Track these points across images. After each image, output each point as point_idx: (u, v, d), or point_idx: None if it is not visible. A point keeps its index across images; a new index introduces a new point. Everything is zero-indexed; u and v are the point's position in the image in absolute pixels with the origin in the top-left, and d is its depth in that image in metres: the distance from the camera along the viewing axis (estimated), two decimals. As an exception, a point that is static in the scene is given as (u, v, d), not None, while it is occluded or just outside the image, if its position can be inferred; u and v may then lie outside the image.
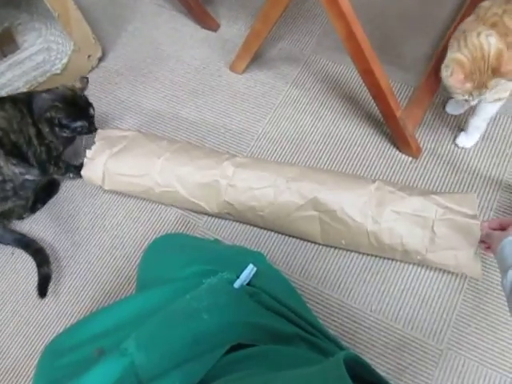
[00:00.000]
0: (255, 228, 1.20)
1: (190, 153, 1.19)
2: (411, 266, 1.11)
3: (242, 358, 0.61)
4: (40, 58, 1.54)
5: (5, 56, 1.58)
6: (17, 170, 1.16)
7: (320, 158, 1.28)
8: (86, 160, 1.23)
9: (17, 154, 1.17)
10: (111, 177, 1.21)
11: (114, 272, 1.22)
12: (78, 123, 1.22)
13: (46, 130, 1.22)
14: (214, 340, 0.67)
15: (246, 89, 1.43)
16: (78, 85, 1.26)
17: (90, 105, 1.27)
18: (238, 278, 0.80)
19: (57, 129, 1.22)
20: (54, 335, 1.13)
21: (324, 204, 1.05)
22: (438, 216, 1.00)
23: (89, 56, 1.53)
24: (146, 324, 0.73)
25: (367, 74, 1.06)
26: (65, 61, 1.49)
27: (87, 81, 1.29)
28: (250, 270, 0.81)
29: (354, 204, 1.04)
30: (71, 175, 1.35)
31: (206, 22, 1.55)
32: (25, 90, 1.47)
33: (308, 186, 1.07)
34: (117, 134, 1.26)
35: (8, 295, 1.24)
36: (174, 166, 1.15)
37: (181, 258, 0.89)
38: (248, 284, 0.80)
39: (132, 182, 1.19)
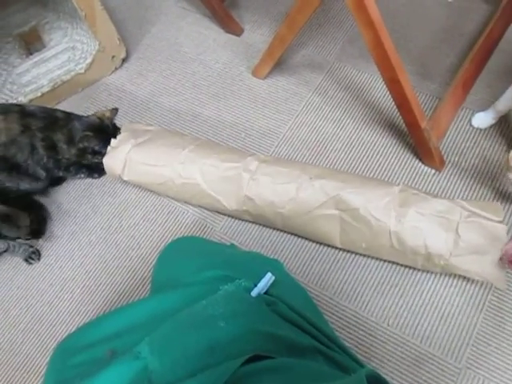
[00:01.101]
0: (272, 235, 1.19)
1: (213, 147, 1.20)
2: (431, 281, 1.08)
3: (259, 371, 0.59)
4: (65, 56, 1.55)
5: (31, 54, 1.60)
6: None
7: (341, 167, 1.26)
8: (109, 148, 1.23)
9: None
10: (132, 166, 1.20)
11: (129, 273, 1.21)
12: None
13: (71, 151, 1.26)
14: (229, 349, 0.66)
15: (268, 94, 1.42)
16: (107, 114, 1.30)
17: (118, 129, 1.29)
18: (255, 286, 0.78)
19: (89, 156, 1.28)
20: (66, 333, 1.15)
21: (347, 202, 1.03)
22: (462, 218, 0.98)
23: (113, 56, 1.54)
24: (160, 328, 0.72)
25: (393, 83, 1.04)
26: (89, 60, 1.50)
27: (116, 111, 1.34)
28: (267, 279, 0.80)
29: (378, 203, 1.02)
30: (82, 175, 1.37)
31: (230, 26, 1.55)
32: (48, 88, 1.49)
33: (331, 184, 1.05)
34: (142, 128, 1.28)
35: (22, 291, 1.24)
36: (197, 157, 1.15)
37: (197, 262, 0.88)
38: (265, 293, 0.79)
39: (153, 171, 1.18)
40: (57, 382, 0.78)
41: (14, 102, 1.46)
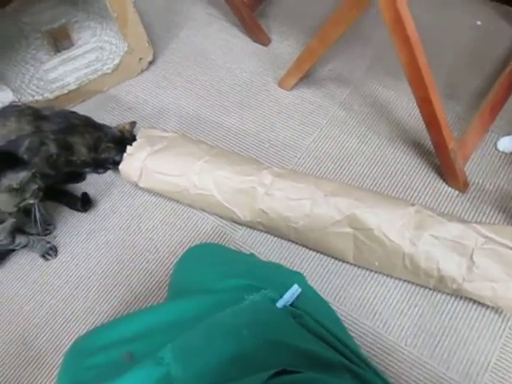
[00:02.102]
0: (291, 247, 1.19)
1: (229, 158, 1.20)
2: (450, 303, 1.07)
3: (287, 385, 0.59)
4: (93, 56, 1.56)
5: (59, 51, 1.62)
6: None
7: (363, 182, 1.26)
8: (125, 155, 1.24)
9: None
10: (148, 174, 1.21)
11: (146, 275, 1.21)
12: None
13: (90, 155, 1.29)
14: (255, 361, 0.65)
15: (293, 106, 1.42)
16: (127, 127, 1.34)
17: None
18: (280, 297, 0.78)
19: (110, 166, 1.33)
20: (80, 331, 1.15)
21: (361, 221, 1.03)
22: (478, 245, 0.98)
23: (140, 59, 1.55)
24: (184, 335, 0.71)
25: (424, 102, 1.04)
26: (116, 61, 1.51)
27: (135, 124, 1.37)
28: (294, 291, 0.79)
29: (393, 224, 1.02)
30: (100, 171, 1.38)
31: (258, 35, 1.56)
32: (75, 86, 1.50)
33: (346, 202, 1.05)
34: (158, 134, 1.28)
35: (38, 286, 1.24)
36: (212, 168, 1.15)
37: (219, 269, 0.88)
38: (291, 305, 0.78)
39: (168, 181, 1.19)
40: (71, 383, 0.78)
41: (41, 97, 1.47)
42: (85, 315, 1.18)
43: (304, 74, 1.38)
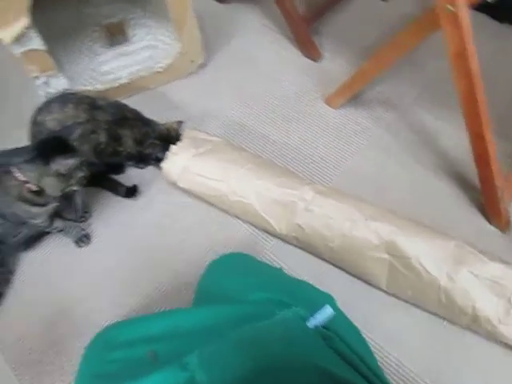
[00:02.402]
0: (321, 265, 1.17)
1: (271, 169, 1.20)
2: (480, 345, 1.04)
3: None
4: (146, 53, 1.60)
5: (114, 45, 1.66)
6: None
7: (401, 209, 1.23)
8: (169, 153, 1.26)
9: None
10: (189, 175, 1.22)
11: (174, 275, 1.21)
12: None
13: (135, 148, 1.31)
14: (282, 378, 0.64)
15: (338, 125, 1.42)
16: (174, 126, 1.36)
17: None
18: (312, 316, 0.77)
19: (152, 161, 1.34)
20: (103, 322, 1.16)
21: (400, 249, 1.02)
22: None
23: (192, 61, 1.58)
24: (211, 343, 0.70)
25: (477, 137, 1.03)
26: (169, 61, 1.54)
27: (181, 124, 1.38)
28: (326, 312, 0.78)
29: (432, 256, 1.00)
30: (141, 165, 1.40)
31: (310, 51, 1.57)
32: (126, 80, 1.54)
33: (387, 228, 1.04)
34: (203, 137, 1.30)
35: (68, 271, 1.26)
36: (254, 177, 1.16)
37: (249, 281, 0.88)
38: (321, 326, 0.77)
39: (208, 184, 1.21)
40: (93, 375, 0.78)
41: (92, 88, 1.51)
42: (109, 306, 1.19)
43: (353, 95, 1.37)
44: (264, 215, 1.14)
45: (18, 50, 1.30)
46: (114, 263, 1.26)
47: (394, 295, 1.11)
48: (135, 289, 1.21)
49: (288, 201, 1.11)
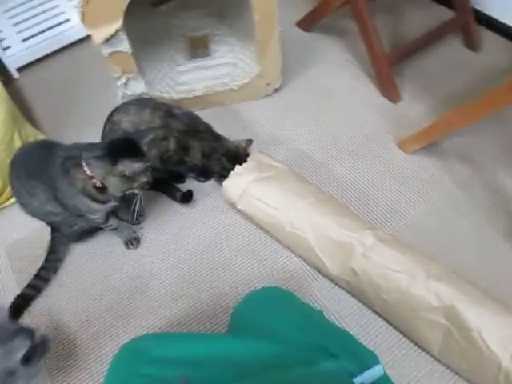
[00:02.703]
0: (371, 315, 1.11)
1: (334, 207, 1.16)
2: None
3: None
4: (225, 70, 1.61)
5: (194, 58, 1.69)
6: None
7: (464, 272, 1.15)
8: (232, 173, 1.25)
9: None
10: (249, 198, 1.20)
11: (216, 294, 1.19)
12: None
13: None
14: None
15: (409, 171, 1.36)
16: (243, 144, 1.35)
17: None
18: (359, 373, 0.72)
19: (215, 176, 1.35)
20: (138, 329, 1.15)
21: (460, 317, 0.93)
22: None
23: (268, 84, 1.58)
24: (246, 381, 0.67)
25: None
26: (245, 81, 1.55)
27: (251, 143, 1.37)
28: (376, 372, 0.73)
29: (496, 332, 0.91)
30: (201, 179, 1.41)
31: (390, 91, 1.53)
32: (201, 93, 1.55)
33: (449, 291, 0.96)
34: (268, 162, 1.28)
35: (113, 269, 1.27)
36: (314, 212, 1.13)
37: (290, 320, 0.85)
38: (367, 385, 0.72)
39: (267, 211, 1.18)
40: None
41: (167, 96, 1.54)
42: (146, 314, 1.18)
43: (430, 143, 1.31)
44: (318, 252, 1.09)
45: (107, 50, 1.35)
46: (157, 271, 1.25)
47: (444, 364, 1.02)
48: (174, 302, 1.19)
49: (346, 242, 1.06)
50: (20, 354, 0.85)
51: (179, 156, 1.28)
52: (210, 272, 1.23)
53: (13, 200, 1.41)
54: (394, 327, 1.08)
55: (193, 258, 1.26)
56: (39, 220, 1.24)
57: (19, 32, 1.84)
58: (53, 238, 1.29)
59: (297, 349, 0.76)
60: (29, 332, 0.89)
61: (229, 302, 1.17)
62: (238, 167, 1.24)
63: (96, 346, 1.14)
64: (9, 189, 1.37)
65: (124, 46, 1.36)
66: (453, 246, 1.20)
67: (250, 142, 1.35)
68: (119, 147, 1.08)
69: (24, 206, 1.19)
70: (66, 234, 1.28)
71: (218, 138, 1.33)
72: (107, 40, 1.32)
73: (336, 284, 1.16)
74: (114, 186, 1.08)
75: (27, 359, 0.86)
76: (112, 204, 1.14)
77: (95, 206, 1.12)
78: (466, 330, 0.92)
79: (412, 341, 1.05)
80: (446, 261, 1.17)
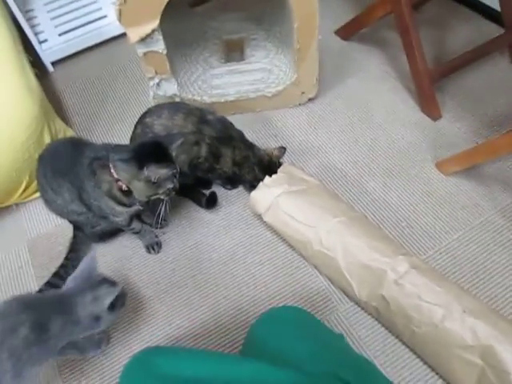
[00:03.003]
0: (397, 346, 1.04)
1: (366, 228, 1.10)
2: None
3: None
4: (259, 76, 1.57)
5: (229, 61, 1.66)
6: None
7: (503, 308, 1.08)
8: (261, 184, 1.21)
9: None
10: (276, 211, 1.16)
11: (235, 309, 1.15)
12: None
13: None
14: None
15: (446, 193, 1.29)
16: (275, 152, 1.31)
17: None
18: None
19: (244, 185, 1.33)
20: (153, 338, 1.12)
21: (498, 359, 0.86)
22: None
23: (302, 93, 1.53)
24: None
25: None
26: (280, 88, 1.51)
27: (284, 151, 1.33)
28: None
29: None
30: (228, 187, 1.38)
31: (430, 108, 1.46)
32: (233, 98, 1.52)
33: (487, 330, 0.89)
34: (299, 175, 1.23)
35: (132, 273, 1.24)
36: (345, 232, 1.07)
37: (311, 347, 0.80)
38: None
39: (295, 226, 1.13)
40: None
41: (199, 98, 1.51)
42: (162, 323, 1.15)
43: (471, 166, 1.24)
44: (347, 275, 1.04)
45: (141, 50, 1.33)
46: (177, 279, 1.22)
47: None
48: (192, 312, 1.16)
49: (377, 267, 1.00)
50: (107, 301, 0.92)
51: (210, 163, 1.25)
52: (230, 284, 1.19)
53: (38, 194, 1.40)
54: (422, 360, 1.02)
55: (214, 268, 1.22)
56: (62, 218, 1.23)
57: (56, 26, 1.84)
58: (75, 237, 1.28)
59: (309, 377, 0.72)
60: (113, 283, 0.96)
61: (248, 318, 1.13)
62: (267, 178, 1.19)
63: (109, 352, 1.11)
64: (35, 183, 1.37)
65: (159, 46, 1.33)
66: (490, 278, 1.12)
67: (283, 150, 1.30)
68: (147, 151, 1.05)
69: (48, 202, 1.17)
70: (88, 234, 1.26)
71: (250, 146, 1.29)
72: (142, 39, 1.30)
73: (362, 309, 1.10)
74: (139, 190, 1.05)
75: (112, 306, 0.93)
76: (136, 208, 1.12)
77: (119, 208, 1.10)
78: (503, 372, 0.86)
79: (441, 377, 0.99)
80: (482, 294, 1.10)
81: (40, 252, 1.31)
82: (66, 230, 1.30)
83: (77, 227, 1.27)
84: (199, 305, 1.16)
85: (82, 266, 0.98)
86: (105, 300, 0.92)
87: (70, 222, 1.25)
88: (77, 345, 1.04)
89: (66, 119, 1.61)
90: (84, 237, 1.28)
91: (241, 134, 1.30)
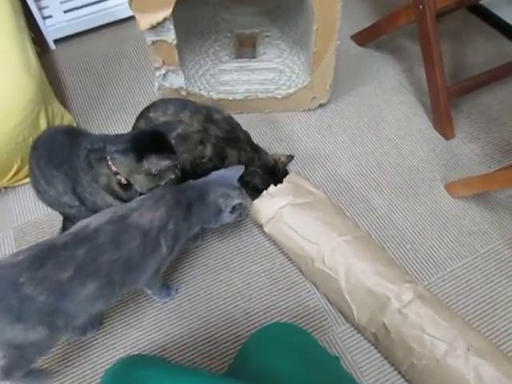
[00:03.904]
0: (393, 374, 1.00)
1: (373, 250, 1.05)
2: None
3: None
4: (270, 75, 1.51)
5: (240, 57, 1.59)
6: None
7: (506, 343, 1.04)
8: (265, 193, 1.15)
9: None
10: (279, 223, 1.11)
11: (227, 320, 1.09)
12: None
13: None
14: None
15: (454, 217, 1.24)
16: (282, 159, 1.28)
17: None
18: None
19: (250, 191, 1.25)
20: (138, 343, 1.06)
21: None
22: None
23: (314, 98, 1.47)
24: None
25: None
26: (291, 91, 1.45)
27: (291, 159, 1.30)
28: None
29: None
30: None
31: (443, 125, 1.41)
32: (242, 96, 1.46)
33: (492, 372, 0.86)
34: (306, 186, 1.17)
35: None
36: (350, 252, 1.02)
37: (301, 367, 0.75)
38: None
39: (297, 241, 1.08)
40: None
41: (206, 94, 1.45)
42: (151, 329, 1.09)
43: (482, 192, 1.20)
44: (347, 297, 0.99)
45: (150, 38, 1.26)
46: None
47: None
48: (182, 320, 1.10)
49: (381, 293, 0.95)
50: (234, 202, 1.05)
51: (214, 163, 1.19)
52: (224, 294, 1.14)
53: (28, 179, 1.34)
54: (418, 392, 0.98)
55: (208, 275, 1.17)
56: (53, 209, 1.16)
57: (62, 2, 1.74)
58: (64, 228, 1.21)
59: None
60: (243, 196, 1.12)
61: (240, 331, 1.08)
62: (271, 188, 1.14)
63: (92, 354, 1.06)
64: (27, 167, 1.30)
65: (169, 36, 1.26)
66: (493, 311, 1.09)
67: (291, 158, 1.26)
68: (146, 141, 0.98)
69: (39, 193, 1.11)
70: (78, 227, 1.20)
71: (256, 149, 1.24)
72: (153, 27, 1.23)
73: (359, 332, 1.06)
74: (140, 183, 1.00)
75: (233, 209, 1.07)
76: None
77: (116, 203, 1.04)
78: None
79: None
80: (484, 326, 1.07)
81: (26, 241, 1.25)
82: (56, 221, 1.25)
83: (67, 219, 1.21)
84: (190, 313, 1.11)
85: (230, 170, 1.11)
86: (233, 200, 1.05)
87: (61, 213, 1.19)
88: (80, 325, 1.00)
89: (64, 102, 1.54)
90: (75, 229, 1.22)
91: (248, 136, 1.24)
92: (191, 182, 1.08)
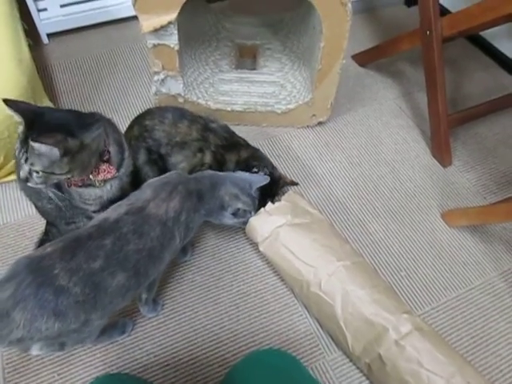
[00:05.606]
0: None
1: (371, 278, 1.02)
2: None
3: None
4: (270, 89, 1.48)
5: (240, 68, 1.56)
6: None
7: (498, 380, 1.02)
8: (262, 210, 1.11)
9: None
10: (275, 243, 1.06)
11: (213, 341, 1.04)
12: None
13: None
14: None
15: (449, 247, 1.23)
16: (287, 180, 1.26)
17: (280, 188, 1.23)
18: None
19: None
20: (116, 362, 1.00)
21: None
22: None
23: (313, 115, 1.45)
24: None
25: None
26: (291, 107, 1.42)
27: (295, 184, 1.29)
28: None
29: None
30: None
31: (442, 153, 1.40)
32: (240, 108, 1.42)
33: None
34: (305, 207, 1.13)
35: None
36: (348, 279, 0.98)
37: None
38: None
39: (292, 262, 1.04)
40: None
41: (203, 103, 1.40)
42: (131, 347, 1.03)
43: (478, 224, 1.19)
44: (342, 325, 0.96)
45: (152, 41, 1.22)
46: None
47: None
48: (165, 339, 1.04)
49: (378, 323, 0.92)
50: (238, 205, 1.04)
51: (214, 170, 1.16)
52: (211, 313, 1.09)
53: (13, 177, 1.27)
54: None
55: (196, 291, 1.12)
56: (37, 208, 1.09)
57: (59, -5, 1.69)
58: (46, 233, 1.15)
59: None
60: (255, 207, 1.09)
61: (226, 354, 1.03)
62: (269, 205, 1.10)
63: (67, 371, 0.99)
64: (10, 164, 1.23)
65: (172, 40, 1.22)
66: (486, 346, 1.07)
67: (294, 184, 1.27)
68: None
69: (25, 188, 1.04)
70: (61, 232, 1.13)
71: (255, 151, 1.23)
72: (156, 30, 1.19)
73: (351, 361, 1.02)
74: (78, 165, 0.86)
75: (235, 213, 1.05)
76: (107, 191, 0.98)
77: (87, 191, 0.96)
78: None
79: None
80: (477, 362, 1.04)
81: (4, 243, 1.18)
82: (38, 223, 1.18)
83: (50, 222, 1.14)
84: (174, 331, 1.06)
85: (255, 176, 1.09)
86: (237, 203, 1.03)
87: (43, 215, 1.12)
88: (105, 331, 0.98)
89: (54, 99, 1.48)
90: (57, 234, 1.14)
91: (246, 142, 1.22)
92: (209, 171, 1.08)
